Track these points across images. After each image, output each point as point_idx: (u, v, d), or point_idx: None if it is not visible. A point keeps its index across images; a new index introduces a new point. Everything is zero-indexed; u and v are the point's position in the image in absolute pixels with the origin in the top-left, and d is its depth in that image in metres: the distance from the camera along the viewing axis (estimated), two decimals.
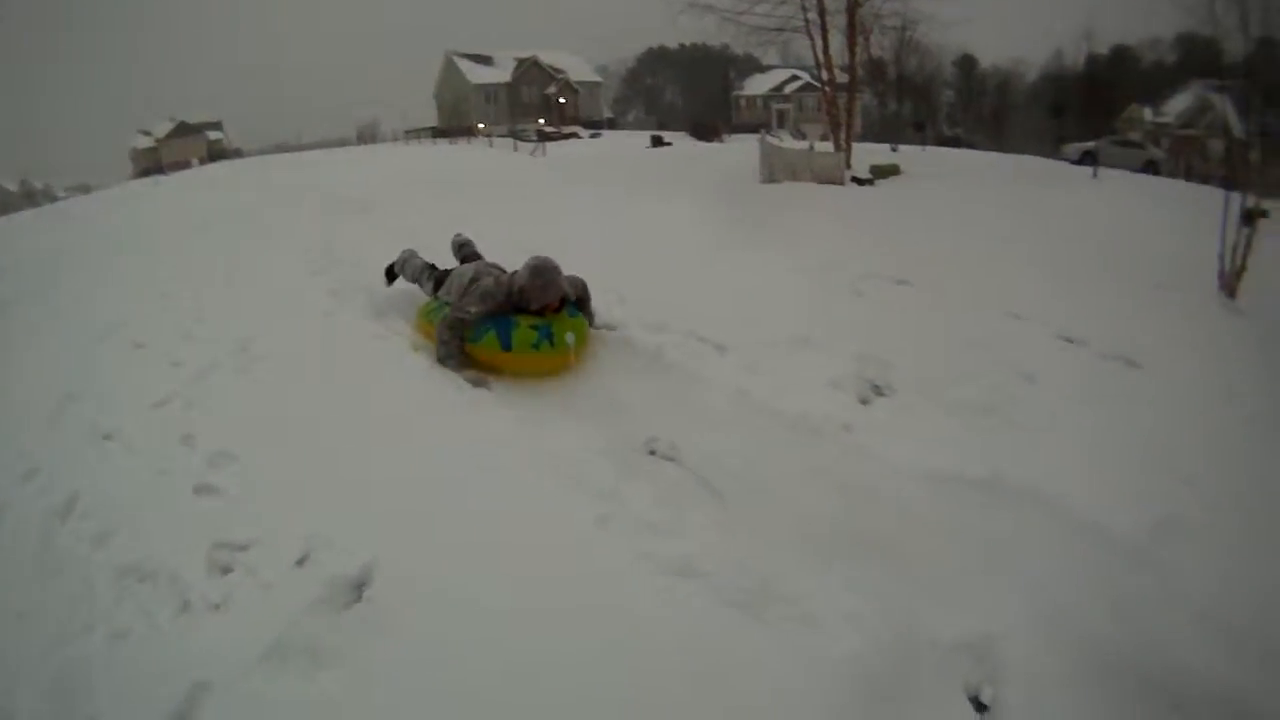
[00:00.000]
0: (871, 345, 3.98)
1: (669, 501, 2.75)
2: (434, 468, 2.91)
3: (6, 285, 7.78)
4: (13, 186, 56.94)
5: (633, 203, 8.68)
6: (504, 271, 4.10)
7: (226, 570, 2.45)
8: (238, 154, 50.91)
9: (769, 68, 50.47)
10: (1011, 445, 3.14)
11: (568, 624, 2.16)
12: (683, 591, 2.28)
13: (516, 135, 33.07)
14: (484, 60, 53.11)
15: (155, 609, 2.34)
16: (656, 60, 68.04)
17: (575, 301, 4.03)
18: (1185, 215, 7.91)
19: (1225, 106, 11.17)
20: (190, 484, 2.94)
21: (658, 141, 29.93)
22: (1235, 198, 5.56)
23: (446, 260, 4.77)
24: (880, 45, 15.63)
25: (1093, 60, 45.28)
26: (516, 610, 2.20)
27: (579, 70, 55.41)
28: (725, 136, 36.02)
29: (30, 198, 50.09)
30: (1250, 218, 5.39)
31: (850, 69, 13.86)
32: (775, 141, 13.70)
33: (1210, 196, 7.18)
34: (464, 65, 52.70)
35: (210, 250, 7.38)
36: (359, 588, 2.32)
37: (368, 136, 56.29)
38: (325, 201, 10.11)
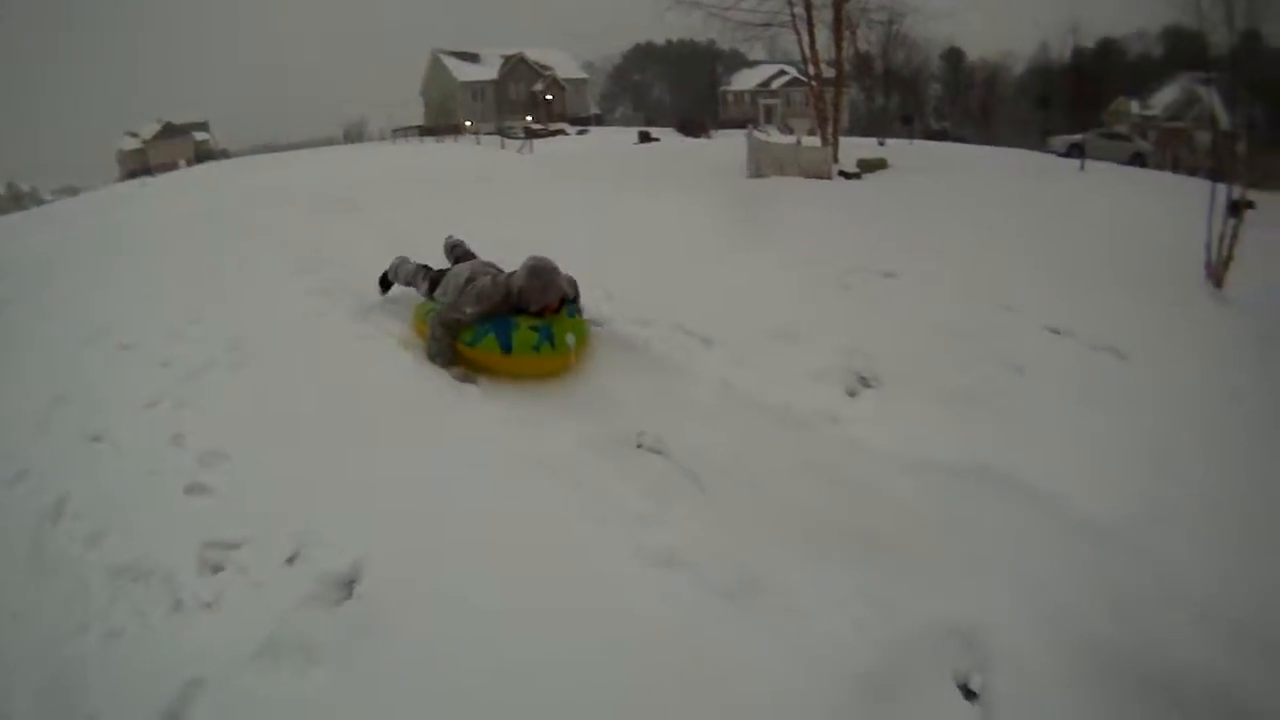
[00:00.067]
0: (858, 338, 3.99)
1: (655, 494, 2.77)
2: (423, 465, 2.92)
3: None
4: (0, 189, 56.33)
5: (620, 199, 8.67)
6: (500, 271, 4.04)
7: (218, 569, 2.46)
8: (225, 155, 50.42)
9: (756, 63, 50.36)
10: (999, 436, 3.17)
11: (556, 619, 2.18)
12: (671, 584, 2.30)
13: (504, 132, 32.88)
14: (471, 58, 52.78)
15: (148, 608, 2.34)
16: (643, 56, 67.78)
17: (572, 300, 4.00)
18: (1172, 207, 7.99)
19: (1212, 99, 11.28)
20: (181, 484, 2.93)
21: (645, 137, 29.82)
22: (1222, 189, 5.63)
23: (438, 261, 4.75)
24: (867, 39, 15.73)
25: (1079, 53, 45.34)
26: (506, 606, 2.22)
27: (566, 67, 55.13)
28: (713, 132, 35.88)
29: (18, 200, 49.47)
30: (1237, 208, 5.45)
31: (837, 63, 13.91)
32: (763, 136, 13.70)
33: (1197, 188, 7.23)
34: (451, 63, 52.37)
35: (199, 251, 7.32)
36: (350, 585, 2.34)
37: (355, 135, 56.00)
38: (313, 201, 10.04)
